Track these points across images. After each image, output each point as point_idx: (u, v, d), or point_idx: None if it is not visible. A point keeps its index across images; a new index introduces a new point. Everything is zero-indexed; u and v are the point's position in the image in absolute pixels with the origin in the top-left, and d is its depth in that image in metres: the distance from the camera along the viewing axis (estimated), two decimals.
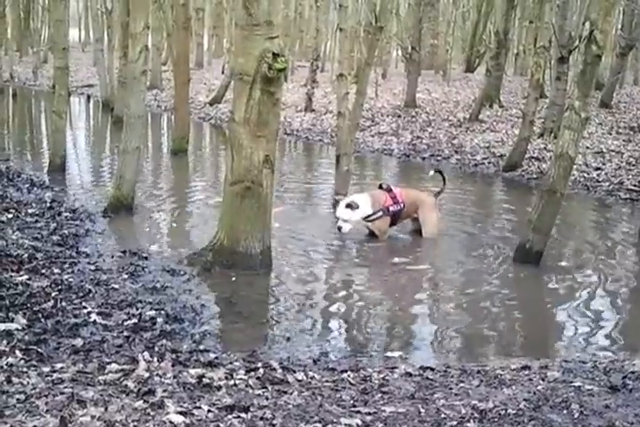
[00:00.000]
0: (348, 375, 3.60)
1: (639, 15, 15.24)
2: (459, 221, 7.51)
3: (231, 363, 3.68)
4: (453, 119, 14.46)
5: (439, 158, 11.40)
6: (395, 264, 6.02)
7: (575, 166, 9.57)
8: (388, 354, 4.18)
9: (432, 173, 7.32)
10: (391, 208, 6.54)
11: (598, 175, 9.84)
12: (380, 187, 6.77)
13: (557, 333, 4.69)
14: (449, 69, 21.57)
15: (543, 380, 3.58)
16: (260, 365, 3.64)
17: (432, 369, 3.82)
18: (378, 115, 15.23)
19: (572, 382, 3.52)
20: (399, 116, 14.98)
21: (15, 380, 3.19)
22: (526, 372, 3.77)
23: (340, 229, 6.51)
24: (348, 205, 6.45)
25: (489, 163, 10.91)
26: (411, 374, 3.70)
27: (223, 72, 21.07)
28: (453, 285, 5.55)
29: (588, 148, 11.20)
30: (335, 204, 6.67)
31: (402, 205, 6.62)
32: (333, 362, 3.96)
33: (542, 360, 4.05)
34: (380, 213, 6.52)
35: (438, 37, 23.92)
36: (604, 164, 10.41)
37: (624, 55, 15.26)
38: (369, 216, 6.54)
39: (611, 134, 12.53)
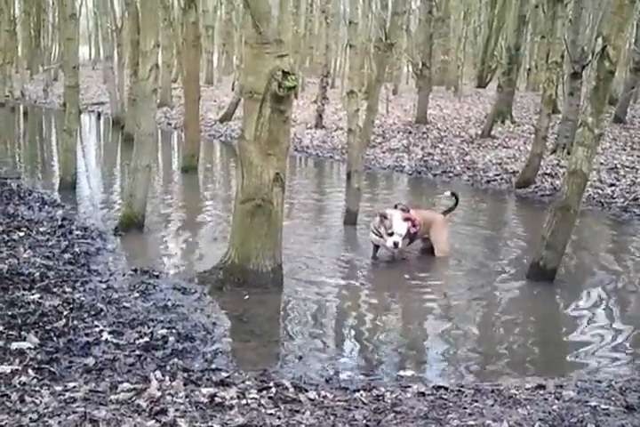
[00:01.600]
0: (361, 395, 3.58)
1: None
2: (471, 239, 7.47)
3: (243, 382, 3.66)
4: (465, 135, 14.45)
5: (451, 175, 11.37)
6: (406, 282, 5.99)
7: (589, 183, 9.55)
8: (401, 373, 4.14)
9: (447, 193, 7.24)
10: (411, 230, 6.44)
11: (613, 191, 9.77)
12: (396, 207, 6.63)
13: (572, 351, 4.63)
14: (460, 85, 21.63)
15: (558, 399, 3.54)
16: (272, 384, 3.62)
17: (445, 388, 3.79)
18: (389, 131, 15.24)
19: (587, 401, 3.48)
20: (410, 133, 14.99)
21: (28, 399, 3.19)
22: (541, 391, 3.73)
23: (396, 245, 6.20)
24: (407, 219, 6.28)
25: (501, 179, 10.87)
26: (424, 394, 3.67)
27: (233, 89, 21.18)
28: (466, 302, 5.51)
29: (602, 163, 11.14)
30: (382, 217, 6.27)
31: (418, 228, 6.54)
32: (346, 381, 3.93)
33: (557, 379, 4.00)
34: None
35: (449, 53, 23.99)
36: (618, 180, 10.35)
37: (638, 70, 15.21)
38: None
39: (625, 150, 12.46)
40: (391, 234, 6.22)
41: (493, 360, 4.44)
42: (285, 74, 5.10)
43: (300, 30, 24.16)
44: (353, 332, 4.83)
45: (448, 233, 6.84)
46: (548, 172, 10.82)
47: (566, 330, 5.09)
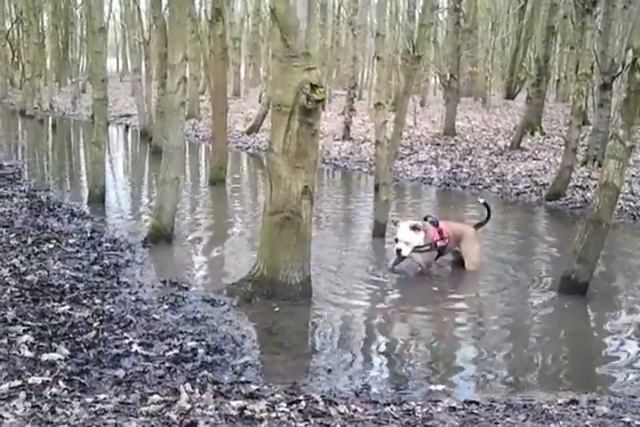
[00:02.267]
0: (391, 409, 3.55)
1: None
2: (502, 252, 7.39)
3: (273, 395, 3.64)
4: (494, 147, 14.35)
5: (480, 187, 11.29)
6: (436, 295, 5.94)
7: (621, 195, 9.43)
8: (432, 387, 4.10)
9: (481, 200, 7.16)
10: (439, 243, 6.40)
11: None
12: (425, 219, 6.60)
13: (605, 366, 4.55)
14: (488, 96, 21.53)
15: (591, 415, 3.49)
16: (301, 397, 3.60)
17: (477, 403, 3.74)
18: (417, 143, 15.20)
19: (621, 417, 3.42)
20: (438, 145, 14.93)
21: (59, 410, 3.20)
22: (574, 406, 3.67)
23: (399, 251, 6.24)
24: (414, 228, 6.24)
25: (531, 191, 10.77)
26: (455, 409, 3.63)
27: (260, 101, 21.30)
28: (497, 316, 5.45)
29: (633, 176, 10.99)
30: (395, 224, 6.42)
31: (447, 241, 6.49)
32: (376, 395, 3.90)
33: (590, 394, 3.94)
34: (429, 247, 6.37)
35: (477, 64, 23.91)
36: None
37: None
38: (419, 247, 6.34)
39: None
40: (396, 240, 6.28)
41: (525, 375, 4.38)
42: (313, 87, 5.11)
43: (326, 42, 24.26)
44: (382, 345, 4.79)
45: (479, 246, 6.77)
46: (579, 184, 10.69)
47: (598, 344, 5.01)
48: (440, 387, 4.09)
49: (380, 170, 7.94)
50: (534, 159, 13.02)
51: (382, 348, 4.74)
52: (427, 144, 15.07)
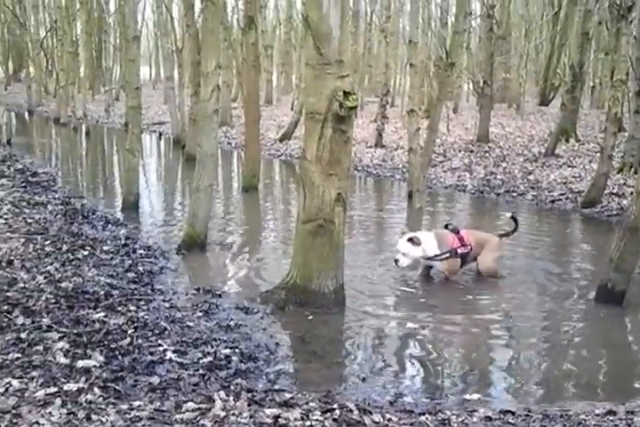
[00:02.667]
0: (426, 418, 3.52)
1: None
2: (536, 260, 7.29)
3: (307, 403, 3.63)
4: (528, 154, 14.19)
5: (514, 194, 11.17)
6: (469, 304, 5.88)
7: None
8: (467, 397, 4.05)
9: (508, 215, 7.13)
10: (459, 250, 6.40)
11: None
12: (446, 227, 6.63)
13: None
14: (522, 103, 21.36)
15: (630, 426, 3.43)
16: (335, 406, 3.59)
17: (513, 413, 3.71)
18: (450, 150, 15.11)
19: None
20: (472, 151, 14.81)
21: (94, 417, 3.23)
22: (611, 417, 3.62)
23: (396, 262, 6.36)
24: (410, 240, 6.30)
25: (566, 199, 10.62)
26: (491, 418, 3.59)
27: (292, 109, 21.36)
28: (532, 325, 5.37)
29: None
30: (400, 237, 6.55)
31: (469, 248, 6.48)
32: (410, 404, 3.87)
33: (628, 405, 3.88)
34: (448, 254, 6.37)
35: (510, 71, 23.74)
36: None
37: None
38: (436, 256, 6.37)
39: None
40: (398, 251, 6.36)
41: (561, 384, 4.32)
42: (346, 94, 5.11)
43: (358, 49, 24.27)
44: (416, 354, 4.75)
45: (499, 255, 6.70)
46: (615, 191, 10.53)
47: (636, 354, 4.93)
48: (475, 396, 4.05)
49: (413, 177, 7.93)
50: (569, 166, 12.85)
51: (416, 356, 4.69)
52: (460, 151, 14.96)
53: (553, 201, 10.63)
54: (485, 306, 5.82)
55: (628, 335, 5.37)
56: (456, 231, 6.50)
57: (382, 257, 7.19)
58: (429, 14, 24.77)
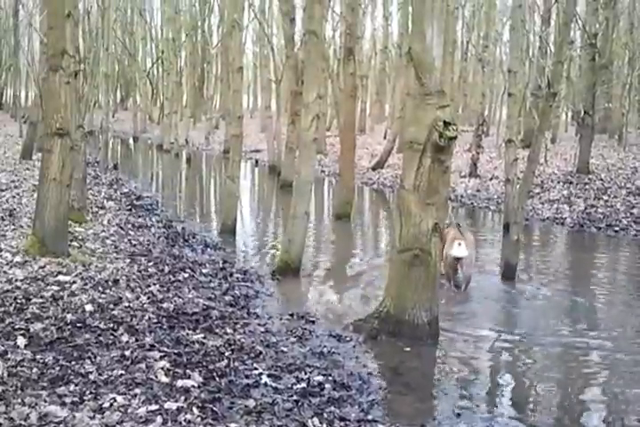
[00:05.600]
0: None
1: None
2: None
3: None
4: (632, 187, 13.69)
5: (617, 229, 10.79)
6: (565, 338, 5.70)
7: None
8: None
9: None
10: None
11: None
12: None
13: None
14: (625, 133, 20.69)
15: None
16: None
17: None
18: (547, 181, 14.77)
19: None
20: (571, 183, 14.43)
21: None
22: None
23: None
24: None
25: None
26: None
27: (385, 137, 21.43)
28: (632, 359, 5.15)
29: None
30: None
31: None
32: None
33: None
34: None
35: (612, 100, 23.08)
36: None
37: None
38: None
39: None
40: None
41: None
42: (446, 124, 5.11)
43: (454, 78, 24.20)
44: (510, 388, 4.65)
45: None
46: None
47: None
48: None
49: (510, 208, 7.80)
50: None
51: (510, 392, 4.61)
52: (558, 182, 14.61)
53: None
54: (582, 340, 5.64)
55: None
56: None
57: (478, 290, 7.08)
58: (527, 43, 24.47)
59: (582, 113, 16.17)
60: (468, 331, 5.77)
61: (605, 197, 12.87)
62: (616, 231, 10.74)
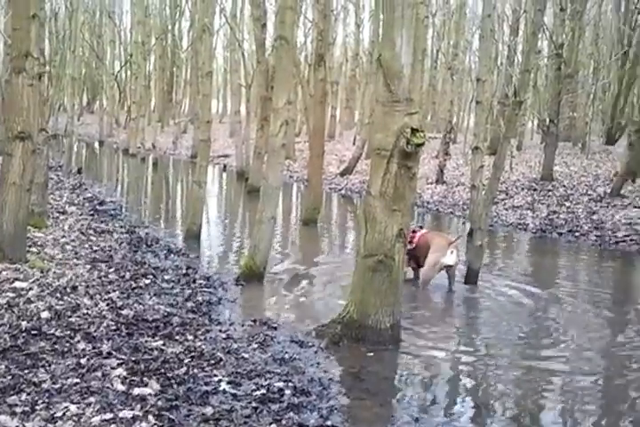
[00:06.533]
0: None
1: None
2: (595, 302, 7.15)
3: None
4: (593, 194, 13.90)
5: (577, 234, 10.94)
6: (524, 340, 5.75)
7: None
8: None
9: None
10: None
11: None
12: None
13: None
14: (588, 142, 20.98)
15: None
16: None
17: None
18: (512, 188, 14.93)
19: None
20: (535, 190, 14.61)
21: None
22: None
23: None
24: None
25: (631, 240, 10.35)
26: None
27: (354, 143, 21.50)
28: (589, 367, 5.20)
29: None
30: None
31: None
32: None
33: None
34: None
35: (577, 109, 23.40)
36: None
37: None
38: None
39: None
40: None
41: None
42: (414, 131, 5.12)
43: (423, 86, 24.33)
44: (470, 394, 4.64)
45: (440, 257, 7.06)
46: None
47: None
48: None
49: (475, 215, 7.84)
50: (635, 207, 12.52)
51: (470, 397, 4.59)
52: (523, 189, 14.78)
53: (617, 242, 10.36)
54: (537, 344, 5.71)
55: None
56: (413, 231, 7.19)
57: (441, 295, 7.12)
58: (496, 52, 24.75)
59: (547, 121, 16.38)
60: (430, 335, 5.78)
61: (567, 204, 13.04)
62: (577, 237, 10.88)
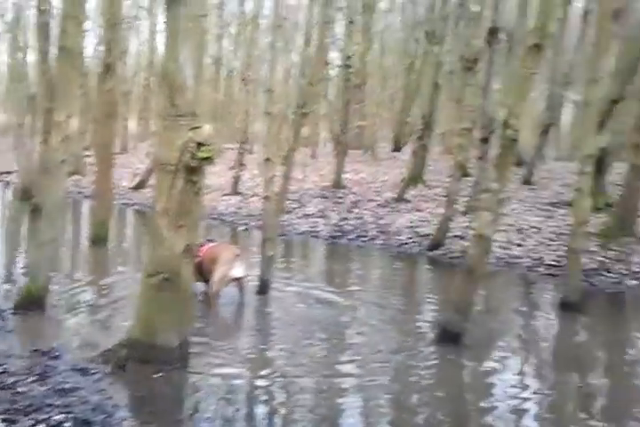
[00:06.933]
0: None
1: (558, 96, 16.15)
2: (382, 301, 7.54)
3: None
4: (380, 199, 14.61)
5: (365, 239, 11.45)
6: (318, 346, 5.90)
7: (498, 244, 9.82)
8: None
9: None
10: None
11: (520, 252, 10.05)
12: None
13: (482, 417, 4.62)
14: (376, 149, 22.06)
15: None
16: None
17: None
18: (305, 196, 15.30)
19: None
20: (326, 198, 15.09)
21: None
22: None
23: None
24: None
25: (413, 242, 11.02)
26: None
27: (148, 156, 21.05)
28: (370, 363, 5.45)
29: (510, 225, 11.43)
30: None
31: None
32: None
33: None
34: None
35: (366, 118, 24.52)
36: (524, 240, 10.65)
37: (546, 133, 15.88)
38: None
39: (531, 211, 12.83)
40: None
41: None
42: (199, 145, 5.05)
43: (218, 96, 24.37)
44: (266, 409, 4.69)
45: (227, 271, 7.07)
46: (459, 234, 11.03)
47: (475, 393, 5.11)
48: None
49: (267, 225, 7.94)
50: (417, 211, 13.34)
51: (265, 411, 4.64)
52: (315, 197, 15.20)
53: (401, 245, 10.98)
54: (326, 347, 5.96)
55: (464, 375, 5.59)
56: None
57: (231, 305, 7.14)
58: (291, 63, 25.33)
59: (338, 131, 17.03)
60: (220, 352, 5.75)
61: (356, 210, 13.62)
62: (365, 241, 11.40)
